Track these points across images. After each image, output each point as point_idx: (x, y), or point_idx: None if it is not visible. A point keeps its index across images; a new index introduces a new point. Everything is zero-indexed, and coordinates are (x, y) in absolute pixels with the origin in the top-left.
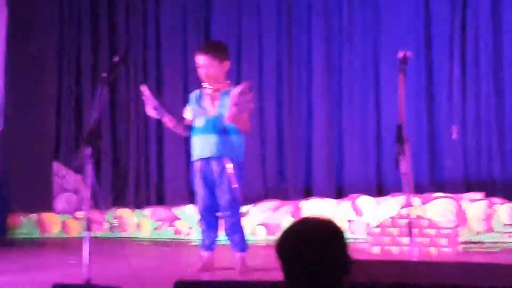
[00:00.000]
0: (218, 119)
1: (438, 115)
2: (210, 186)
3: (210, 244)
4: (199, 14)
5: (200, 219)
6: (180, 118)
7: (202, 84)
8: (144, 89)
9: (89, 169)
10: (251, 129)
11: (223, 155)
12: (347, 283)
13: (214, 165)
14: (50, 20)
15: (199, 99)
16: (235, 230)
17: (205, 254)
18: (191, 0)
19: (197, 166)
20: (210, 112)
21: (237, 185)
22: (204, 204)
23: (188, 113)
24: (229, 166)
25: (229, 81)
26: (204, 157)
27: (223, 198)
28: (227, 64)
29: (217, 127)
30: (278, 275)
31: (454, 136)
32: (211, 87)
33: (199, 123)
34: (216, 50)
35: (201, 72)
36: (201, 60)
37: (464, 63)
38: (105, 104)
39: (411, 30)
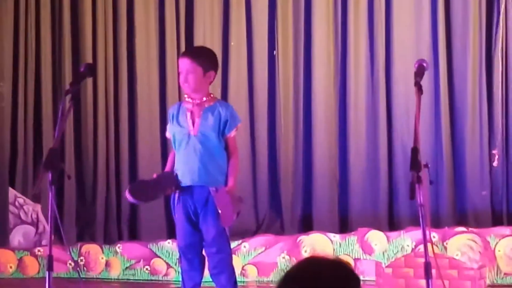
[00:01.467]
0: (200, 140)
1: (460, 136)
2: (193, 219)
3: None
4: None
5: (180, 257)
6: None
7: (184, 96)
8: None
9: (50, 196)
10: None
11: (207, 183)
12: None
13: (197, 195)
14: (3, 23)
15: (178, 114)
16: (222, 269)
17: None
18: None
19: (177, 197)
20: (191, 131)
21: (220, 211)
22: (185, 240)
23: (168, 131)
24: (213, 189)
25: (212, 95)
26: (185, 185)
27: (208, 232)
28: (212, 75)
29: (199, 150)
30: None
31: (495, 163)
32: (191, 99)
33: (178, 144)
34: (203, 56)
35: (182, 79)
36: (183, 64)
37: (490, 77)
38: (69, 120)
39: (429, 35)
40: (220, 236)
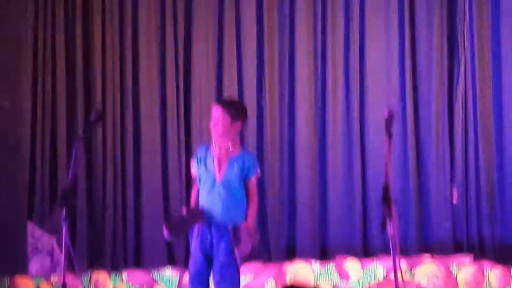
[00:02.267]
0: (225, 186)
1: (425, 174)
2: (207, 249)
3: None
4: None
5: (189, 285)
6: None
7: (212, 142)
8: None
9: (63, 230)
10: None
11: (227, 223)
12: None
13: (215, 229)
14: (24, 71)
15: (206, 158)
16: None
17: None
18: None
19: (197, 229)
20: (217, 177)
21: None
22: (196, 267)
23: (194, 169)
24: (230, 227)
25: (238, 144)
26: (207, 222)
27: (218, 259)
28: (239, 124)
29: (223, 195)
30: None
31: (455, 201)
32: (217, 146)
33: (204, 186)
34: (232, 107)
35: (212, 123)
36: (215, 110)
37: (451, 120)
38: (81, 162)
39: (398, 85)
40: (229, 266)
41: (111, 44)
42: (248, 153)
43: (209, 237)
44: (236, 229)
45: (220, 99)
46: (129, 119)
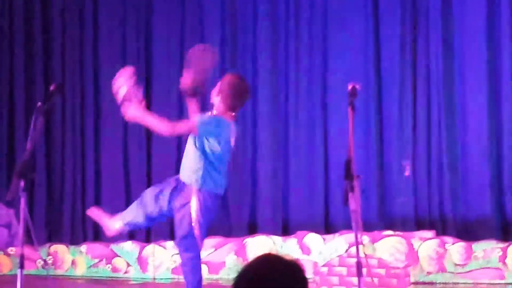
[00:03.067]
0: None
1: (388, 150)
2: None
3: None
4: (138, 42)
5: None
6: None
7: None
8: None
9: (22, 202)
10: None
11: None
12: None
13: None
14: None
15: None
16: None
17: None
18: (129, 28)
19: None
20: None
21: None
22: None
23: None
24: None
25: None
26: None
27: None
28: None
29: None
30: None
31: (407, 173)
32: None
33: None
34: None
35: None
36: None
37: (414, 97)
38: (40, 134)
39: (361, 61)
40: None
41: (71, 11)
42: None
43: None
44: None
45: None
46: (90, 92)
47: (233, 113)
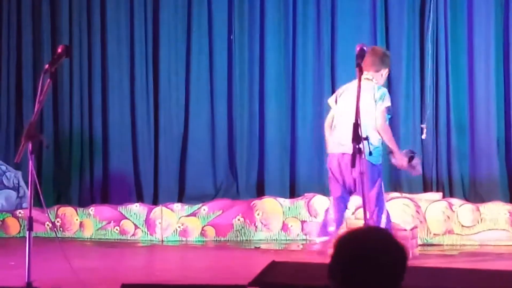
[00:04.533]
0: None
1: (396, 112)
2: None
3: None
4: (146, 5)
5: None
6: None
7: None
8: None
9: (30, 164)
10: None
11: None
12: None
13: None
14: None
15: None
16: None
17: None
18: None
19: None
20: None
21: None
22: None
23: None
24: None
25: None
26: None
27: None
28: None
29: None
30: (227, 278)
31: (424, 136)
32: None
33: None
34: None
35: None
36: None
37: (422, 59)
38: (48, 96)
39: (369, 24)
40: None
41: None
42: None
43: None
44: None
45: None
46: (97, 54)
47: None
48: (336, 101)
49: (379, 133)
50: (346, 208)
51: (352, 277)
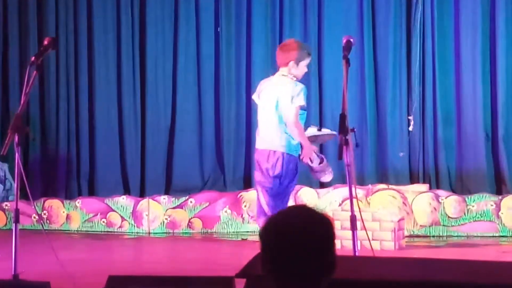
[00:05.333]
0: None
1: (383, 104)
2: None
3: None
4: None
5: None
6: None
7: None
8: None
9: (16, 157)
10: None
11: None
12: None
13: None
14: None
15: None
16: None
17: None
18: None
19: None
20: None
21: None
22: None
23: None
24: None
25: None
26: None
27: None
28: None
29: None
30: (214, 269)
31: (411, 128)
32: None
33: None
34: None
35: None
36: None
37: (409, 51)
38: (34, 89)
39: (355, 17)
40: None
41: None
42: None
43: None
44: None
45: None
46: (83, 46)
47: None
48: (259, 97)
49: (289, 128)
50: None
51: (280, 257)
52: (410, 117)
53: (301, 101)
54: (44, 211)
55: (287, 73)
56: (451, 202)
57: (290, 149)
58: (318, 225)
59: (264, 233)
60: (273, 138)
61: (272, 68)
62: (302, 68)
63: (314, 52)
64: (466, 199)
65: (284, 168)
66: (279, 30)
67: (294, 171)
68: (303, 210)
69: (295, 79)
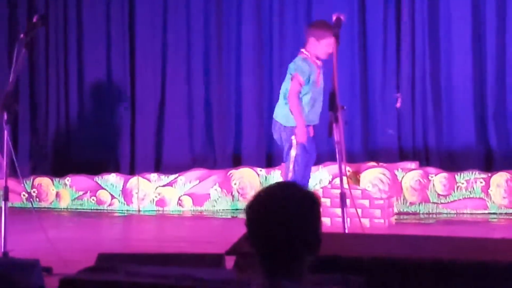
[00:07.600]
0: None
1: (372, 82)
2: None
3: None
4: None
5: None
6: None
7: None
8: None
9: (5, 135)
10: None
11: None
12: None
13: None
14: None
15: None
16: None
17: None
18: None
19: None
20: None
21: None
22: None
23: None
24: None
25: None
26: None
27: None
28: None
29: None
30: (204, 247)
31: (398, 105)
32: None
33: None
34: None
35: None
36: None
37: (398, 28)
38: (23, 66)
39: None
40: None
41: None
42: None
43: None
44: None
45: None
46: (73, 23)
47: None
48: None
49: (288, 101)
50: None
51: (260, 232)
52: (398, 94)
53: (299, 78)
54: (34, 189)
55: (304, 50)
56: (440, 180)
57: (288, 121)
58: (301, 202)
59: (247, 208)
60: (278, 109)
61: (263, 45)
62: (323, 46)
63: (303, 25)
64: (456, 176)
65: (282, 136)
66: (268, 8)
67: (290, 140)
68: (287, 187)
69: (309, 55)
